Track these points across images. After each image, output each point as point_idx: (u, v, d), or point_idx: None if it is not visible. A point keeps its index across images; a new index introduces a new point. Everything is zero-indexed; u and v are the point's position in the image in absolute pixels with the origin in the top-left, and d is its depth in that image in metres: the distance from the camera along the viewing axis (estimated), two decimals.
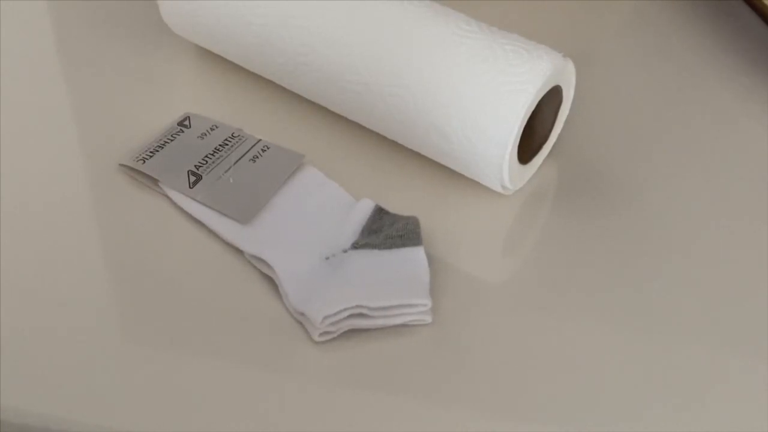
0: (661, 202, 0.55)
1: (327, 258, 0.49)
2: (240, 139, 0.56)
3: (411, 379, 0.45)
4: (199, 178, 0.53)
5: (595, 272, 0.51)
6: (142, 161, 0.54)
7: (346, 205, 0.52)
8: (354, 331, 0.47)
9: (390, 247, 0.50)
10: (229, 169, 0.54)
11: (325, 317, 0.45)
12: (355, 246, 0.50)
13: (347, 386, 0.45)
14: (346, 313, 0.46)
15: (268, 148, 0.55)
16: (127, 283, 0.49)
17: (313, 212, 0.52)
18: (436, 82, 0.50)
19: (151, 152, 0.54)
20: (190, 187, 0.53)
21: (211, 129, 0.56)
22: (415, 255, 0.49)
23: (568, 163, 0.57)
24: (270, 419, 0.43)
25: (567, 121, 0.58)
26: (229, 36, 0.57)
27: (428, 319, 0.47)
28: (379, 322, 0.47)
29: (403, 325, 0.47)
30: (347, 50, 0.53)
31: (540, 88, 0.50)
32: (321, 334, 0.46)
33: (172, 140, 0.55)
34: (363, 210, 0.52)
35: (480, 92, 0.50)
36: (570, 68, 0.53)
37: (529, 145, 0.54)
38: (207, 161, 0.54)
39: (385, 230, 0.51)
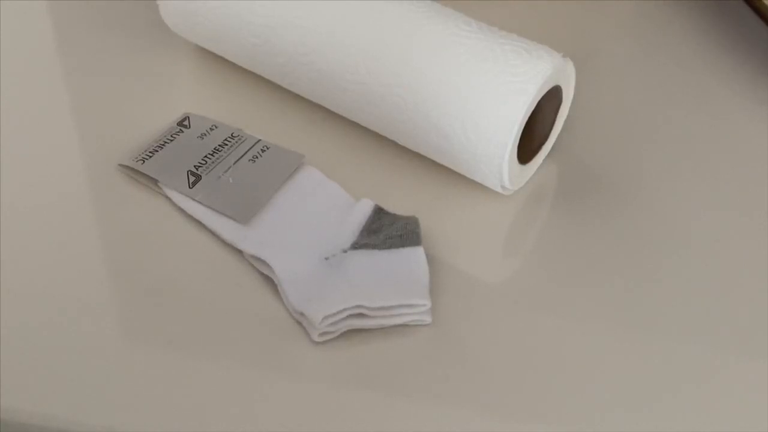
0: (660, 201, 0.55)
1: (327, 258, 0.49)
2: (240, 139, 0.56)
3: (411, 379, 0.45)
4: (198, 178, 0.53)
5: (594, 272, 0.51)
6: (141, 161, 0.54)
7: (346, 205, 0.52)
8: (354, 331, 0.47)
9: (390, 247, 0.50)
10: (228, 169, 0.54)
11: (325, 317, 0.46)
12: (355, 246, 0.50)
13: (347, 386, 0.45)
14: (346, 314, 0.46)
15: (267, 148, 0.55)
16: (126, 283, 0.49)
17: (312, 212, 0.52)
18: (436, 82, 0.50)
19: (150, 152, 0.54)
20: (189, 187, 0.53)
21: (211, 129, 0.56)
22: (415, 255, 0.49)
23: (568, 163, 0.57)
24: (269, 419, 0.43)
25: (567, 121, 0.58)
26: (229, 36, 0.57)
27: (428, 319, 0.47)
28: (379, 323, 0.47)
29: (403, 326, 0.47)
30: (347, 50, 0.53)
31: (540, 88, 0.50)
32: (320, 335, 0.46)
33: (171, 140, 0.55)
34: (362, 210, 0.52)
35: (480, 92, 0.50)
36: (570, 68, 0.53)
37: (528, 145, 0.54)
38: (206, 161, 0.54)
39: (385, 230, 0.51)
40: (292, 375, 0.45)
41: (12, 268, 0.49)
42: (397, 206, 0.53)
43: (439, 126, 0.51)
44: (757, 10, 0.68)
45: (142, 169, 0.53)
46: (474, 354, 0.46)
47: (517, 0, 0.69)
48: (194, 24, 0.58)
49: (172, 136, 0.56)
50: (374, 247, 0.50)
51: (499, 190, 0.53)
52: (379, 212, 0.52)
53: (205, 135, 0.56)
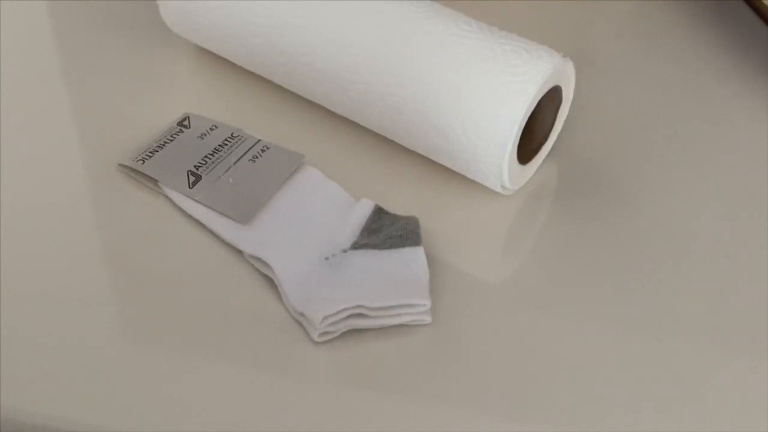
0: (660, 201, 0.55)
1: (326, 258, 0.49)
2: (240, 140, 0.56)
3: (411, 379, 0.45)
4: (198, 178, 0.53)
5: (594, 272, 0.51)
6: (141, 161, 0.54)
7: (346, 205, 0.52)
8: (354, 331, 0.47)
9: (390, 247, 0.50)
10: (228, 169, 0.54)
11: (325, 317, 0.46)
12: (355, 246, 0.50)
13: (347, 386, 0.45)
14: (346, 314, 0.46)
15: (267, 148, 0.55)
16: (126, 284, 0.49)
17: (312, 212, 0.52)
18: (436, 82, 0.50)
19: (150, 152, 0.54)
20: (189, 188, 0.53)
21: (211, 129, 0.56)
22: (415, 255, 0.49)
23: (568, 163, 0.57)
24: (269, 419, 0.43)
25: (567, 121, 0.58)
26: (229, 36, 0.57)
27: (428, 319, 0.47)
28: (379, 322, 0.47)
29: (403, 325, 0.47)
30: (347, 50, 0.53)
31: (540, 88, 0.50)
32: (320, 335, 0.46)
33: (171, 140, 0.55)
34: (362, 210, 0.52)
35: (480, 92, 0.50)
36: (570, 68, 0.53)
37: (528, 145, 0.54)
38: (206, 161, 0.54)
39: (385, 230, 0.51)
40: (292, 375, 0.45)
41: (12, 268, 0.49)
42: (397, 206, 0.53)
43: (439, 126, 0.51)
44: (757, 10, 0.68)
45: (142, 169, 0.53)
46: (474, 354, 0.46)
47: (517, 0, 0.69)
48: (194, 24, 0.58)
49: (172, 136, 0.56)
50: (374, 247, 0.50)
51: (499, 190, 0.53)
52: (379, 212, 0.52)
53: (205, 135, 0.56)
